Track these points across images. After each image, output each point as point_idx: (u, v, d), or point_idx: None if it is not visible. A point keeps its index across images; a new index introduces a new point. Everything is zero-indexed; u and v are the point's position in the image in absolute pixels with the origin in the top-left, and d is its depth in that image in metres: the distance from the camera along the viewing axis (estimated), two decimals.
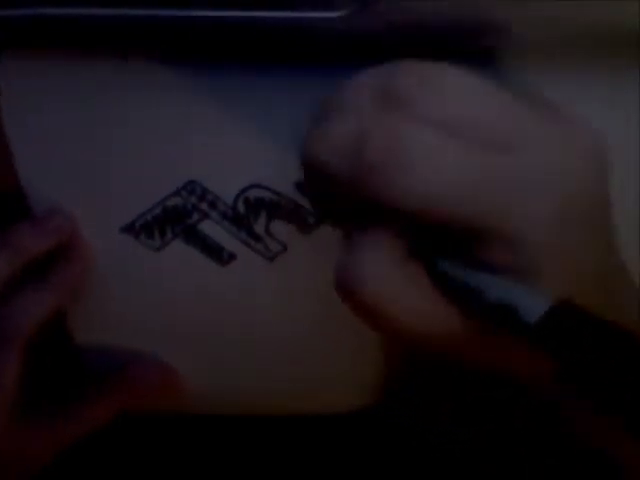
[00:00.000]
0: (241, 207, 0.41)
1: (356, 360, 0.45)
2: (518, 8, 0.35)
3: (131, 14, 0.36)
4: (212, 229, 0.42)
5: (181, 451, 0.51)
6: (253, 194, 0.41)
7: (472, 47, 0.37)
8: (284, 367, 0.46)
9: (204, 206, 0.41)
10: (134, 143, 0.40)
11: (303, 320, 0.43)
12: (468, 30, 0.36)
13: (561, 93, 0.38)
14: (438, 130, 0.31)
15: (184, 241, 0.42)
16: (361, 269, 0.31)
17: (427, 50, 0.37)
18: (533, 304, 0.29)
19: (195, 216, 0.42)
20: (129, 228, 0.42)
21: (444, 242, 0.31)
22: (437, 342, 0.32)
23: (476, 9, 0.35)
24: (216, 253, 0.43)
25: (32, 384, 0.43)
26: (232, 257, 0.43)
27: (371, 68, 0.33)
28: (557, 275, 0.31)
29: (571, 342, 0.29)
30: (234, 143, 0.40)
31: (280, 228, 0.42)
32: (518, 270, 0.31)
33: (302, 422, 0.49)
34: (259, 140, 0.40)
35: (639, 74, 0.38)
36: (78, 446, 0.45)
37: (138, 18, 0.36)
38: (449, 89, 0.31)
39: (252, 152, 0.40)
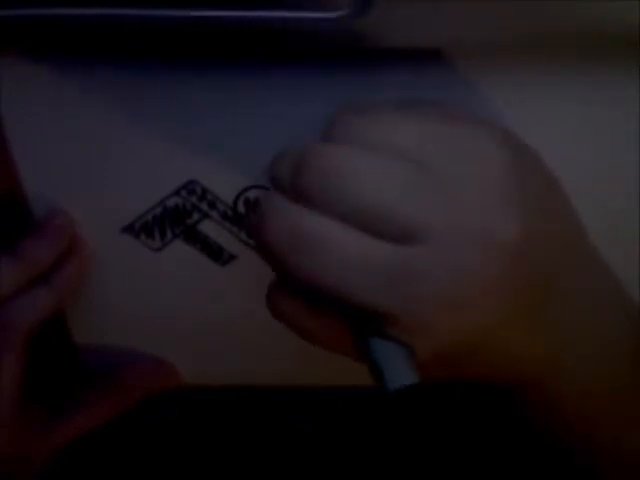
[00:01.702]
0: (241, 207, 0.41)
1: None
2: (517, 8, 0.35)
3: (131, 14, 0.36)
4: (212, 229, 0.42)
5: (181, 451, 0.51)
6: (253, 194, 0.41)
7: (471, 47, 0.37)
8: (284, 366, 0.46)
9: (204, 206, 0.41)
10: (134, 143, 0.40)
11: None
12: (467, 30, 0.36)
13: (561, 93, 0.38)
14: (337, 219, 0.32)
15: (184, 241, 0.42)
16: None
17: (427, 50, 0.37)
18: (398, 377, 0.32)
19: (195, 216, 0.42)
20: (129, 228, 0.42)
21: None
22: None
23: (475, 9, 0.35)
24: (216, 253, 0.43)
25: (32, 384, 0.43)
26: (232, 257, 0.43)
27: (288, 149, 0.34)
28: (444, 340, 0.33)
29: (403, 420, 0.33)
30: (234, 143, 0.40)
31: None
32: (412, 339, 0.33)
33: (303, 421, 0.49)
34: (259, 140, 0.40)
35: (639, 74, 0.38)
36: (78, 446, 0.45)
37: (138, 18, 0.36)
38: (351, 183, 0.32)
39: (252, 152, 0.40)
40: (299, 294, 0.34)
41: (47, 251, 0.42)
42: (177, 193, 0.41)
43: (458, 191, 0.32)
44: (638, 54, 0.37)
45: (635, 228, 0.41)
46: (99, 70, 0.38)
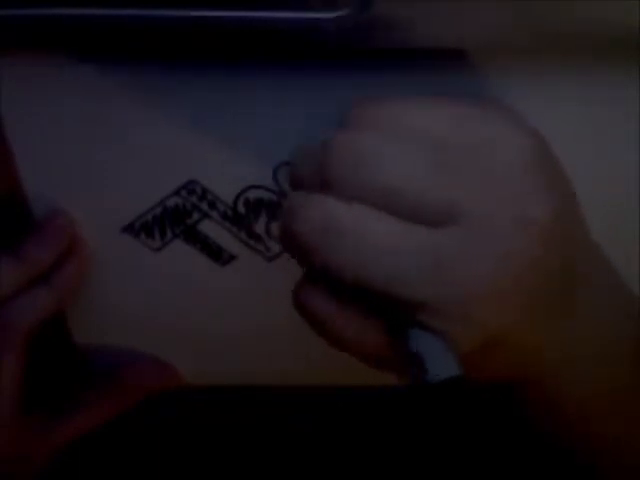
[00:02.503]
0: (241, 207, 0.41)
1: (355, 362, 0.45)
2: (517, 8, 0.35)
3: (131, 14, 0.36)
4: (212, 229, 0.42)
5: (181, 451, 0.51)
6: (253, 194, 0.41)
7: (471, 47, 0.37)
8: (284, 366, 0.46)
9: (204, 206, 0.41)
10: (134, 143, 0.40)
11: (302, 320, 0.43)
12: (466, 30, 0.36)
13: (561, 93, 0.38)
14: (368, 206, 0.31)
15: (184, 241, 0.42)
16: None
17: (427, 50, 0.37)
18: (440, 367, 0.32)
19: (195, 216, 0.42)
20: (129, 228, 0.42)
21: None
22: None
23: (475, 9, 0.35)
24: (216, 253, 0.43)
25: (32, 384, 0.43)
26: (232, 257, 0.43)
27: (306, 148, 0.34)
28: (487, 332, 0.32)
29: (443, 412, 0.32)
30: (234, 143, 0.40)
31: None
32: (450, 329, 0.32)
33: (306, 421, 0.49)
34: (259, 140, 0.40)
35: (639, 74, 0.38)
36: (78, 446, 0.45)
37: (138, 18, 0.36)
38: (382, 167, 0.32)
39: (252, 152, 0.40)
40: (329, 291, 0.33)
41: (47, 251, 0.42)
42: (177, 193, 0.41)
43: (488, 174, 0.32)
44: (638, 54, 0.37)
45: (635, 228, 0.41)
46: (99, 70, 0.38)
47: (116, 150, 0.40)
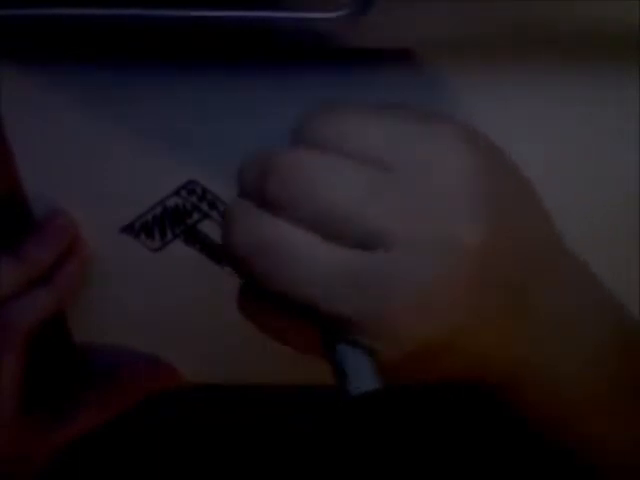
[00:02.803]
0: None
1: None
2: (517, 8, 0.35)
3: (131, 14, 0.36)
4: (212, 229, 0.42)
5: (181, 451, 0.51)
6: None
7: (471, 47, 0.37)
8: (284, 366, 0.46)
9: (204, 206, 0.41)
10: (134, 143, 0.40)
11: None
12: (466, 30, 0.36)
13: (561, 93, 0.38)
14: (303, 226, 0.32)
15: (184, 241, 0.42)
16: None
17: (427, 50, 0.37)
18: (361, 382, 0.33)
19: (195, 216, 0.42)
20: (129, 228, 0.42)
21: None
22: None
23: (475, 9, 0.35)
24: (216, 253, 0.43)
25: (32, 384, 0.43)
26: None
27: (257, 155, 0.34)
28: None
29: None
30: (234, 143, 0.40)
31: None
32: (377, 344, 0.33)
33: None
34: (259, 140, 0.39)
35: (639, 74, 0.38)
36: (78, 446, 0.45)
37: (138, 18, 0.36)
38: (315, 188, 0.32)
39: (252, 152, 0.40)
40: (267, 297, 0.34)
41: (47, 251, 0.42)
42: (177, 193, 0.41)
43: (424, 195, 0.32)
44: (638, 54, 0.37)
45: (635, 228, 0.41)
46: (99, 70, 0.38)
47: (116, 150, 0.40)
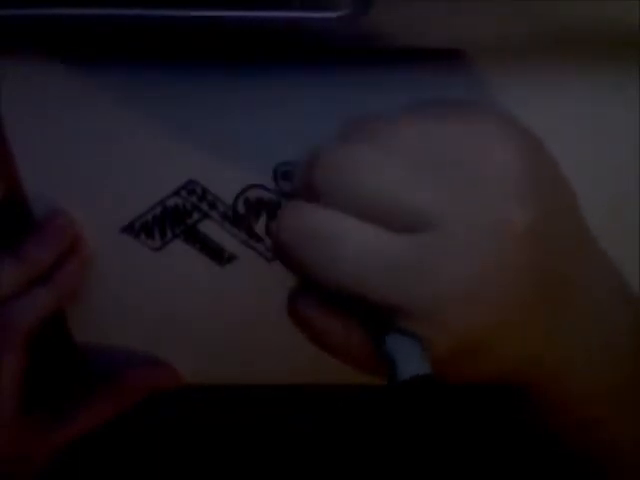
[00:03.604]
0: (241, 207, 0.41)
1: None
2: (517, 8, 0.35)
3: (131, 14, 0.36)
4: (212, 229, 0.42)
5: (181, 451, 0.51)
6: (253, 194, 0.41)
7: (471, 47, 0.37)
8: (284, 366, 0.46)
9: (204, 206, 0.41)
10: (134, 143, 0.40)
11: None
12: (466, 30, 0.36)
13: (561, 93, 0.38)
14: (351, 215, 0.32)
15: (184, 241, 0.42)
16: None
17: (427, 50, 0.37)
18: (409, 368, 0.32)
19: (195, 216, 0.42)
20: (129, 228, 0.42)
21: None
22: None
23: (475, 9, 0.35)
24: (216, 253, 0.43)
25: (32, 384, 0.43)
26: (232, 257, 0.43)
27: (305, 155, 0.34)
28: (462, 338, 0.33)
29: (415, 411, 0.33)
30: (234, 143, 0.40)
31: None
32: (426, 333, 0.33)
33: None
34: (259, 140, 0.40)
35: (639, 74, 0.38)
36: (78, 446, 0.45)
37: (138, 18, 0.36)
38: (363, 175, 0.32)
39: (252, 152, 0.40)
40: (320, 299, 0.34)
41: (47, 251, 0.42)
42: (177, 193, 0.41)
43: (471, 179, 0.32)
44: (638, 54, 0.37)
45: (635, 228, 0.41)
46: (99, 70, 0.38)
47: (116, 150, 0.40)
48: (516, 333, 0.34)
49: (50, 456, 0.44)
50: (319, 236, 0.32)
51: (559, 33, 0.36)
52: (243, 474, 0.51)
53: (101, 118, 0.39)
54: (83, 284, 0.43)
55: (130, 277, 0.44)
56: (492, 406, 0.40)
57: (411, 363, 0.32)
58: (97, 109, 0.39)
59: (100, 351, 0.46)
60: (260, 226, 0.42)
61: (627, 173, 0.40)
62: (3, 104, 0.39)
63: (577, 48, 0.37)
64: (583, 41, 0.36)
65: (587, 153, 0.40)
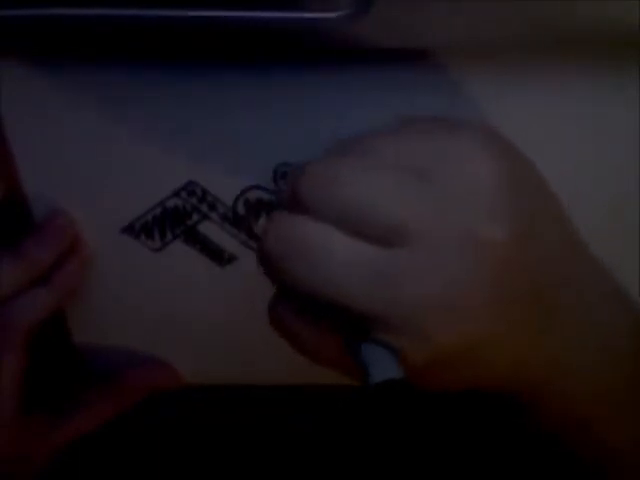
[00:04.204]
0: (241, 208, 0.41)
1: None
2: (517, 8, 0.35)
3: (131, 14, 0.36)
4: (212, 230, 0.42)
5: (181, 451, 0.51)
6: (253, 195, 0.41)
7: (471, 47, 0.37)
8: (284, 366, 0.46)
9: (204, 207, 0.41)
10: (134, 143, 0.40)
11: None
12: (466, 30, 0.36)
13: (561, 93, 0.38)
14: (336, 227, 0.33)
15: (184, 242, 0.42)
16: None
17: (427, 50, 0.37)
18: (381, 372, 0.33)
19: (195, 217, 0.42)
20: (129, 229, 0.42)
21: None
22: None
23: (475, 9, 0.35)
24: (216, 254, 0.43)
25: (32, 384, 0.43)
26: (232, 258, 0.43)
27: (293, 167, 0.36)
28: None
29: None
30: (234, 144, 0.40)
31: None
32: (402, 344, 0.33)
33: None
34: (259, 140, 0.40)
35: (639, 74, 0.38)
36: (78, 446, 0.45)
37: (138, 18, 0.36)
38: (340, 187, 0.33)
39: (252, 153, 0.40)
40: (299, 307, 0.35)
41: (47, 251, 0.42)
42: (177, 194, 0.41)
43: (446, 194, 0.33)
44: (638, 54, 0.37)
45: (635, 228, 0.41)
46: (99, 70, 0.38)
47: (116, 150, 0.40)
48: (494, 343, 0.34)
49: (50, 456, 0.44)
50: (305, 247, 0.33)
51: (559, 33, 0.36)
52: (243, 474, 0.51)
53: (101, 118, 0.39)
54: (83, 284, 0.43)
55: (130, 277, 0.44)
56: (489, 408, 0.40)
57: (383, 368, 0.33)
58: (97, 109, 0.39)
59: (100, 351, 0.46)
60: (260, 227, 0.42)
61: (627, 173, 0.40)
62: (3, 104, 0.39)
63: (577, 48, 0.37)
64: (583, 41, 0.36)
65: (587, 153, 0.40)
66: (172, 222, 0.42)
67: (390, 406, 0.32)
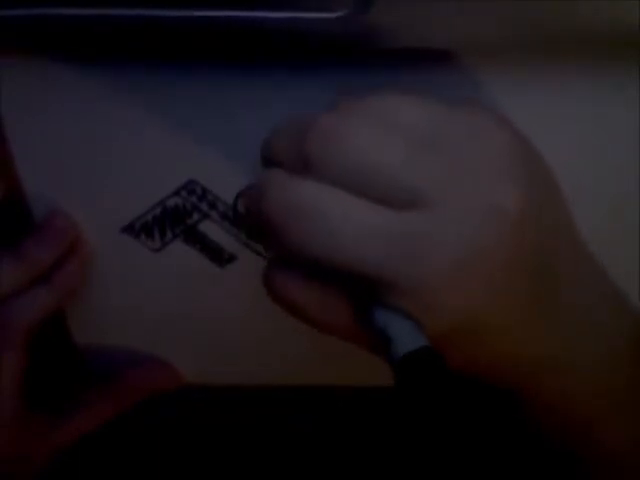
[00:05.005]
0: (241, 207, 0.41)
1: (355, 362, 0.45)
2: (517, 8, 0.35)
3: (131, 14, 0.36)
4: (212, 229, 0.42)
5: (181, 451, 0.51)
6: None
7: (471, 47, 0.37)
8: (284, 366, 0.46)
9: (204, 206, 0.41)
10: (134, 143, 0.40)
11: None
12: (466, 30, 0.36)
13: (561, 93, 0.38)
14: (341, 188, 0.32)
15: (184, 241, 0.42)
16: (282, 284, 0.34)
17: (427, 50, 0.37)
18: (407, 343, 0.32)
19: (195, 216, 0.42)
20: (129, 228, 0.42)
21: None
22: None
23: (475, 10, 0.35)
24: (216, 253, 0.43)
25: (32, 384, 0.43)
26: (232, 258, 0.43)
27: (289, 122, 0.34)
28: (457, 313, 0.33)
29: (418, 386, 0.32)
30: (234, 143, 0.40)
31: None
32: (416, 312, 0.32)
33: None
34: (259, 140, 0.40)
35: (639, 74, 0.38)
36: (78, 446, 0.45)
37: (138, 18, 0.36)
38: (353, 148, 0.32)
39: (252, 152, 0.40)
40: (298, 272, 0.34)
41: (48, 251, 0.42)
42: (177, 193, 0.41)
43: (460, 159, 0.32)
44: (638, 54, 0.37)
45: (635, 228, 0.41)
46: (99, 70, 0.38)
47: (116, 150, 0.40)
48: (500, 324, 0.34)
49: (50, 456, 0.44)
50: (306, 209, 0.32)
51: (559, 33, 0.36)
52: (243, 474, 0.51)
53: (101, 118, 0.39)
54: (83, 284, 0.43)
55: (130, 277, 0.44)
56: (489, 408, 0.40)
57: (408, 337, 0.32)
58: (97, 109, 0.39)
59: (100, 351, 0.46)
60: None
61: (627, 173, 0.40)
62: (3, 104, 0.39)
63: (577, 48, 0.37)
64: (583, 41, 0.36)
65: (587, 153, 0.40)
66: (172, 221, 0.42)
67: (420, 380, 0.31)
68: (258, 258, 0.43)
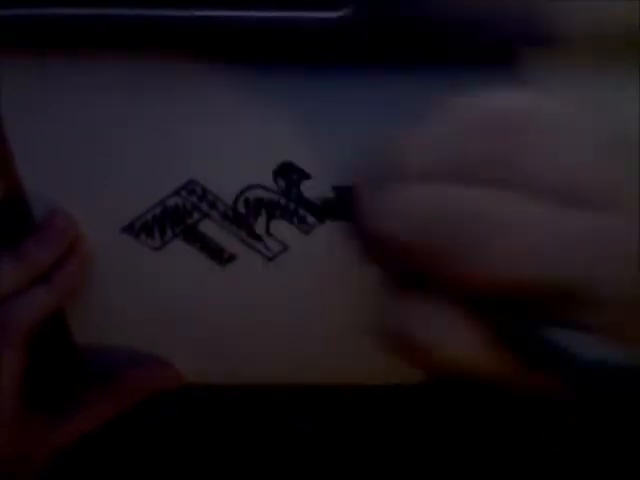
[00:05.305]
0: (241, 207, 0.41)
1: (355, 361, 0.45)
2: (518, 8, 0.35)
3: (131, 14, 0.36)
4: (212, 229, 0.42)
5: (181, 451, 0.51)
6: (253, 194, 0.41)
7: (471, 47, 0.37)
8: (284, 366, 0.46)
9: (204, 206, 0.41)
10: (134, 143, 0.40)
11: (303, 320, 0.43)
12: (468, 30, 0.36)
13: (561, 93, 0.38)
14: (528, 194, 0.28)
15: (184, 241, 0.42)
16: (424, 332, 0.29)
17: (427, 50, 0.37)
18: (591, 354, 0.28)
19: (195, 216, 0.42)
20: (129, 228, 0.42)
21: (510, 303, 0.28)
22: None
23: (476, 9, 0.35)
24: (216, 253, 0.43)
25: (32, 384, 0.43)
26: (232, 257, 0.43)
27: (426, 130, 0.30)
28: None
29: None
30: (234, 143, 0.40)
31: (280, 228, 0.42)
32: (598, 329, 0.28)
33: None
34: (259, 140, 0.40)
35: (639, 74, 0.38)
36: (78, 446, 0.45)
37: (138, 18, 0.36)
38: (538, 152, 0.29)
39: (252, 152, 0.40)
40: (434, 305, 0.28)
41: (47, 251, 0.42)
42: (177, 193, 0.41)
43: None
44: (638, 54, 0.37)
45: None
46: (99, 70, 0.38)
47: (116, 150, 0.40)
48: None
49: (50, 456, 0.44)
50: (497, 224, 0.27)
51: (559, 33, 0.36)
52: (243, 474, 0.51)
53: (101, 118, 0.39)
54: (83, 284, 0.43)
55: (130, 277, 0.44)
56: (490, 408, 0.40)
57: (588, 346, 0.28)
58: (97, 109, 0.39)
59: (100, 351, 0.46)
60: (260, 226, 0.42)
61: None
62: (3, 104, 0.39)
63: (577, 48, 0.37)
64: (583, 41, 0.36)
65: None
66: (172, 221, 0.42)
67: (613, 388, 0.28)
68: (258, 258, 0.43)
